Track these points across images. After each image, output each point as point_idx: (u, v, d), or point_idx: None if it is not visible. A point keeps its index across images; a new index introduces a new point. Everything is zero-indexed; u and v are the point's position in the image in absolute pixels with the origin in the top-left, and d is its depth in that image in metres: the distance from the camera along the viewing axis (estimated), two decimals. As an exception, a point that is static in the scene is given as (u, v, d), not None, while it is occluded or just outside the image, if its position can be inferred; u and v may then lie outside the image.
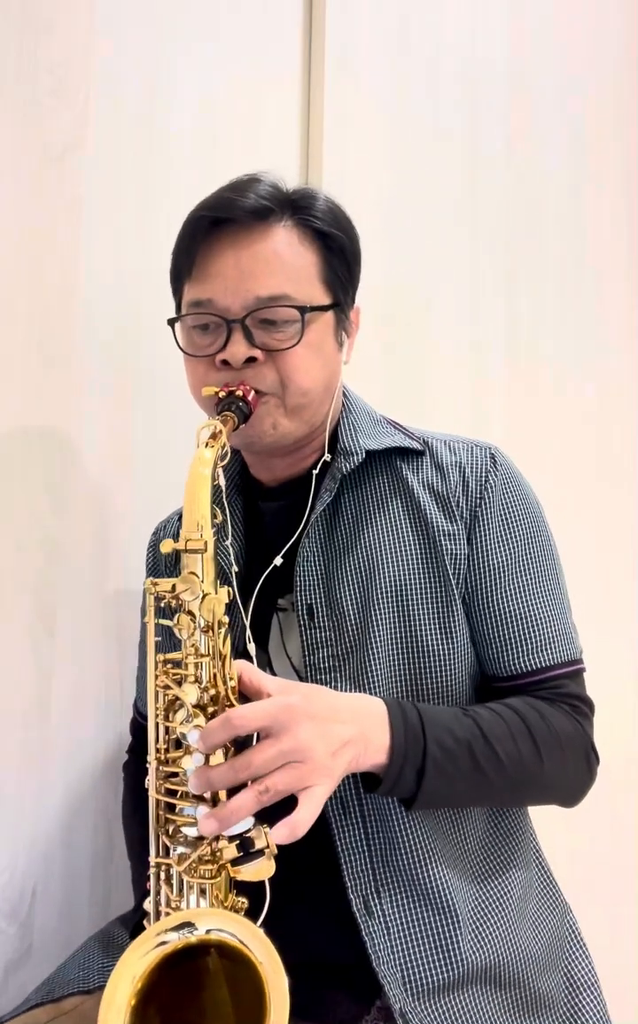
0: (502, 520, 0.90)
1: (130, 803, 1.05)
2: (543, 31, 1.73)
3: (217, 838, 0.67)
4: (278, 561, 0.90)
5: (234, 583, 0.90)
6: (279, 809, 0.65)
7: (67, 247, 1.13)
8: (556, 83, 1.74)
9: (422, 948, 0.78)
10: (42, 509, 1.09)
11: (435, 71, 1.59)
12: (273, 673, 0.89)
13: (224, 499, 0.94)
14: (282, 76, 1.46)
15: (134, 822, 1.03)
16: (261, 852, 0.66)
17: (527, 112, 1.70)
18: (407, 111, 1.56)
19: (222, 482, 0.90)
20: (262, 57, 1.42)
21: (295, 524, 0.91)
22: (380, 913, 0.79)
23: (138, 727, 1.08)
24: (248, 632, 0.88)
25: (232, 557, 0.92)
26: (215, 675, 0.70)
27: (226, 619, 0.72)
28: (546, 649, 0.87)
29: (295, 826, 0.64)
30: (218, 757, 0.67)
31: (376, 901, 0.79)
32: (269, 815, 0.66)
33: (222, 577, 0.91)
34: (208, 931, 0.63)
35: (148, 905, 0.71)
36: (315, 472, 0.92)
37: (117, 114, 1.19)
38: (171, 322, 0.91)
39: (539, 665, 0.87)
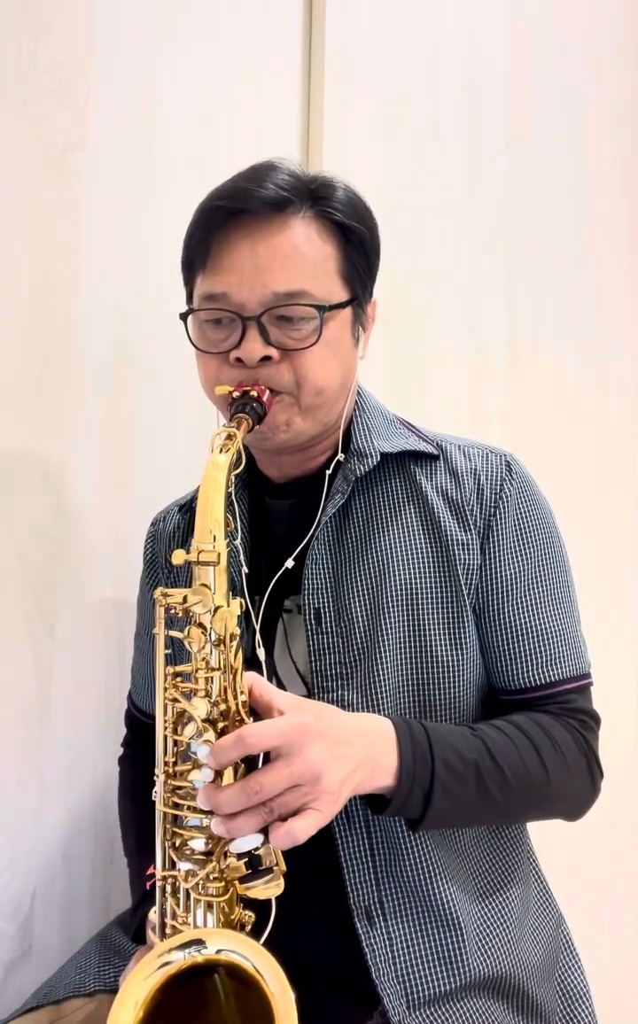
0: (516, 531, 0.88)
1: (127, 797, 1.04)
2: (543, 31, 1.73)
3: (225, 855, 0.66)
4: (290, 564, 0.88)
5: (244, 584, 0.89)
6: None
7: (67, 246, 1.13)
8: (556, 83, 1.74)
9: (425, 960, 0.78)
10: (42, 509, 1.09)
11: (435, 71, 1.59)
12: (277, 677, 0.88)
13: (232, 497, 0.93)
14: (282, 76, 1.46)
15: (132, 817, 1.01)
16: (270, 870, 0.66)
17: (527, 112, 1.70)
18: (407, 111, 1.56)
19: (231, 479, 0.88)
20: (262, 57, 1.42)
21: (303, 524, 0.89)
22: (382, 924, 0.79)
23: (134, 719, 1.08)
24: (258, 637, 0.87)
25: (242, 557, 0.90)
26: (225, 689, 0.69)
27: (238, 631, 0.71)
28: (556, 663, 0.86)
29: (293, 833, 0.63)
30: (227, 772, 0.67)
31: (378, 912, 0.79)
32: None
33: (230, 577, 0.90)
34: (218, 951, 0.62)
35: (153, 916, 0.70)
36: (328, 472, 0.90)
37: (117, 114, 1.19)
38: (183, 317, 0.88)
39: (548, 680, 0.86)
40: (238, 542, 0.91)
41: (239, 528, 0.93)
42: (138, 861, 0.95)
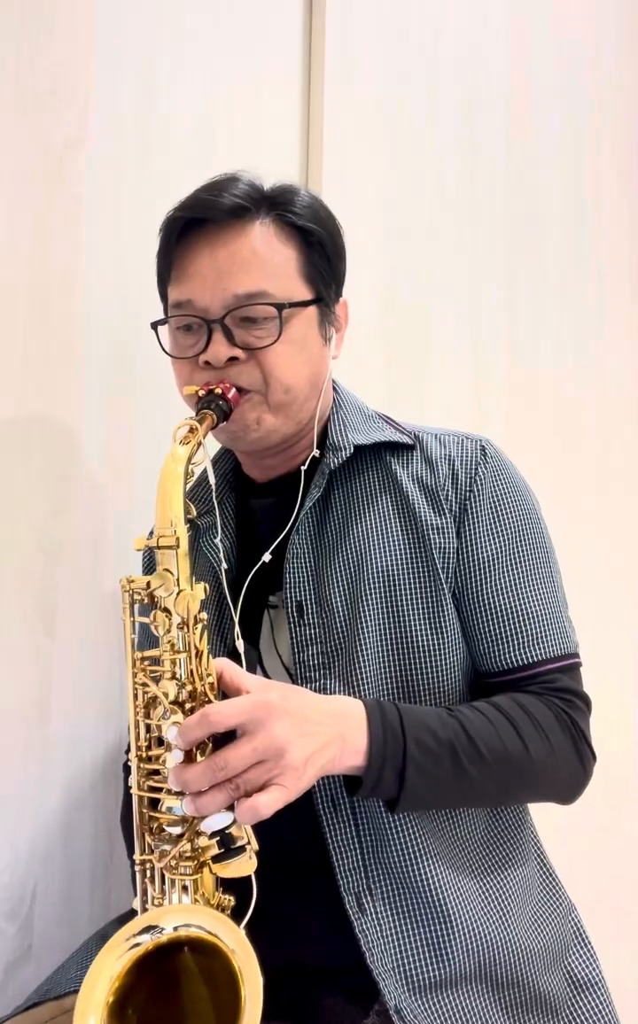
0: (492, 512, 0.89)
1: (129, 803, 1.05)
2: (543, 31, 1.73)
3: (197, 834, 0.68)
4: (266, 558, 0.90)
5: (224, 581, 0.90)
6: None
7: (67, 246, 1.13)
8: (556, 83, 1.74)
9: (414, 945, 0.78)
10: (42, 509, 1.09)
11: (435, 71, 1.59)
12: (264, 671, 0.89)
13: (213, 497, 0.94)
14: (282, 75, 1.46)
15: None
16: (242, 849, 0.67)
17: (527, 112, 1.70)
18: (407, 111, 1.56)
19: (212, 481, 0.91)
20: (262, 56, 1.42)
21: (285, 521, 0.91)
22: (372, 910, 0.79)
23: None
24: (237, 629, 0.88)
25: (222, 555, 0.92)
26: (192, 671, 0.71)
27: (204, 616, 0.73)
28: (538, 643, 0.86)
29: (257, 808, 0.64)
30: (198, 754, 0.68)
31: (368, 898, 0.79)
32: None
33: (212, 574, 0.92)
34: (176, 928, 0.64)
35: (136, 904, 0.72)
36: (304, 468, 0.92)
37: (117, 114, 1.19)
38: (155, 325, 0.91)
39: (531, 660, 0.86)
40: (218, 540, 0.92)
41: (224, 528, 0.95)
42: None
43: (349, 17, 1.50)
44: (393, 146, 1.54)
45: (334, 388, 0.97)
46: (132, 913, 0.95)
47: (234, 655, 0.87)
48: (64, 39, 1.13)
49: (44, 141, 1.11)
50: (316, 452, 0.92)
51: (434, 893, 0.79)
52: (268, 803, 0.65)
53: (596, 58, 1.81)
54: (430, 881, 0.80)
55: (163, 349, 0.91)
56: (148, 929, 0.64)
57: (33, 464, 1.08)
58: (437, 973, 0.77)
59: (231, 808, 0.66)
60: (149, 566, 1.05)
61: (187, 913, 0.65)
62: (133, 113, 1.22)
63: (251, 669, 0.89)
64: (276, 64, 1.45)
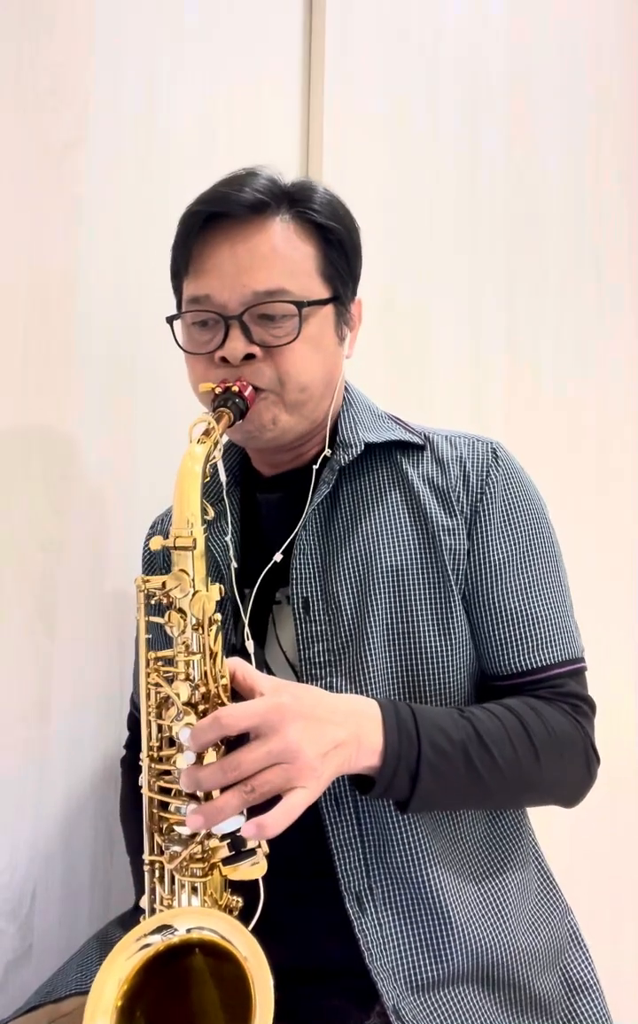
0: (503, 515, 0.89)
1: (128, 799, 1.04)
2: (543, 31, 1.73)
3: (209, 836, 0.67)
4: (278, 558, 0.89)
5: (232, 578, 0.90)
6: (269, 808, 0.65)
7: (67, 246, 1.13)
8: (556, 83, 1.74)
9: (414, 946, 0.78)
10: (42, 509, 1.09)
11: (435, 71, 1.59)
12: (267, 667, 0.89)
13: (224, 494, 0.94)
14: (282, 76, 1.46)
15: (132, 818, 1.01)
16: (253, 851, 0.67)
17: (527, 112, 1.70)
18: (407, 111, 1.56)
19: (223, 477, 0.90)
20: (262, 57, 1.42)
21: (293, 516, 0.90)
22: (372, 910, 0.79)
23: (135, 722, 1.08)
24: (247, 630, 0.88)
25: (231, 553, 0.91)
26: (206, 673, 0.70)
27: (218, 616, 0.72)
28: (546, 648, 0.86)
29: (264, 826, 0.63)
30: (210, 755, 0.67)
31: (369, 898, 0.79)
32: (260, 813, 0.65)
33: (218, 570, 0.91)
34: (189, 930, 0.64)
35: (144, 903, 0.71)
36: (315, 467, 0.92)
37: (117, 114, 1.19)
38: (170, 320, 0.90)
39: (539, 664, 0.86)
40: (228, 538, 0.92)
41: (230, 523, 0.94)
42: (139, 861, 0.95)
43: (349, 17, 1.50)
44: (393, 146, 1.54)
45: (345, 387, 0.97)
46: (132, 913, 0.95)
47: (238, 652, 0.87)
48: (64, 39, 1.13)
49: (44, 141, 1.10)
50: (328, 451, 0.92)
51: (434, 894, 0.79)
52: (292, 805, 0.64)
53: (596, 58, 1.81)
54: (431, 882, 0.80)
55: (178, 344, 0.90)
56: (160, 929, 0.64)
57: (33, 464, 1.08)
58: (436, 974, 0.77)
59: (243, 812, 0.65)
60: (149, 566, 1.05)
61: (201, 916, 0.64)
62: (133, 113, 1.22)
63: (256, 666, 0.89)
64: (276, 64, 1.45)
